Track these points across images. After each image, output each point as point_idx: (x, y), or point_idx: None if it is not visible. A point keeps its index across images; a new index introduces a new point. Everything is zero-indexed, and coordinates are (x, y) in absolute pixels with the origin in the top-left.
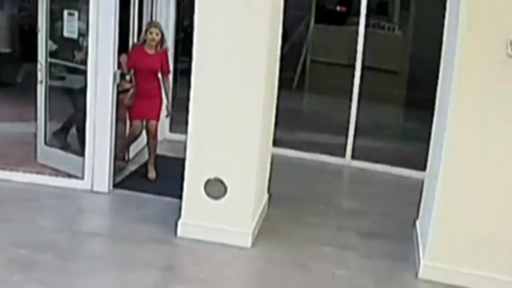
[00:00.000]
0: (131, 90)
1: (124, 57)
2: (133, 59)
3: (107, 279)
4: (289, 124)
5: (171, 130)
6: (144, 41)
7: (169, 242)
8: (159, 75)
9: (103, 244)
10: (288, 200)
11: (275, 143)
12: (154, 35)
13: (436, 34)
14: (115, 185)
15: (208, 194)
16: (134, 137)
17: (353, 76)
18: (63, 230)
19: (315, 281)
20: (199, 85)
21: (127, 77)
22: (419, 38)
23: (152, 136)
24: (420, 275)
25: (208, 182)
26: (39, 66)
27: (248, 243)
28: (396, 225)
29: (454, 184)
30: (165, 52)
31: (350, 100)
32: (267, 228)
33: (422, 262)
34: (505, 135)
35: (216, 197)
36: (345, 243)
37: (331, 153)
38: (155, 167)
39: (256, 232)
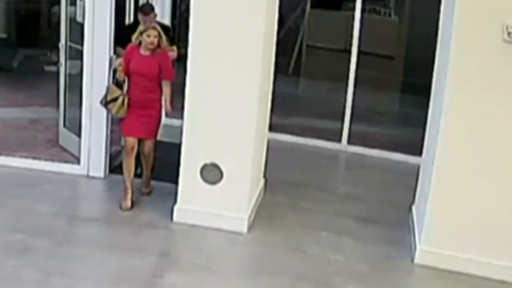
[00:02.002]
0: (120, 99)
1: (119, 61)
2: (125, 60)
3: (103, 264)
4: (285, 109)
5: (167, 115)
6: (140, 43)
7: (165, 227)
8: (157, 82)
9: (99, 229)
10: (284, 185)
11: (271, 128)
12: (152, 38)
13: (432, 19)
14: (111, 170)
15: (204, 179)
16: (129, 154)
17: (349, 61)
18: (59, 215)
19: (311, 266)
20: (195, 70)
21: (125, 86)
22: (415, 23)
23: (146, 154)
24: (416, 260)
25: (204, 167)
26: (60, 48)
27: (244, 228)
28: (392, 210)
29: (450, 169)
30: (165, 54)
31: (346, 85)
32: (263, 213)
33: (418, 247)
34: (501, 120)
35: (212, 182)
36: (341, 228)
37: (327, 138)
38: (149, 182)
39: (252, 217)
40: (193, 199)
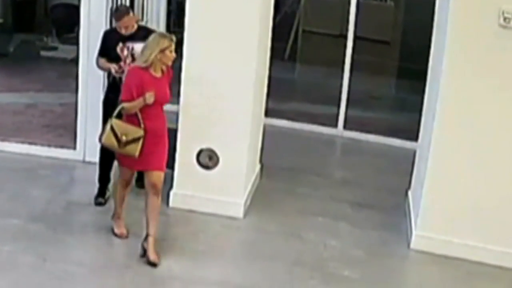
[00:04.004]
0: (142, 139)
1: (150, 95)
2: (142, 87)
3: (99, 250)
4: (281, 94)
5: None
6: (151, 64)
7: (161, 212)
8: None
9: (94, 215)
10: (280, 170)
11: (267, 113)
12: (173, 53)
13: (428, 4)
14: None
15: (201, 165)
16: (126, 187)
17: (345, 46)
18: (55, 200)
19: (307, 251)
20: (191, 56)
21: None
22: (411, 8)
23: (153, 192)
24: (412, 245)
25: (200, 153)
26: None
27: (240, 213)
28: (388, 195)
29: (446, 154)
30: (170, 70)
31: (342, 70)
32: (259, 198)
33: (414, 232)
34: (496, 105)
35: (209, 168)
36: (337, 213)
37: (323, 123)
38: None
39: (248, 202)
40: (189, 184)
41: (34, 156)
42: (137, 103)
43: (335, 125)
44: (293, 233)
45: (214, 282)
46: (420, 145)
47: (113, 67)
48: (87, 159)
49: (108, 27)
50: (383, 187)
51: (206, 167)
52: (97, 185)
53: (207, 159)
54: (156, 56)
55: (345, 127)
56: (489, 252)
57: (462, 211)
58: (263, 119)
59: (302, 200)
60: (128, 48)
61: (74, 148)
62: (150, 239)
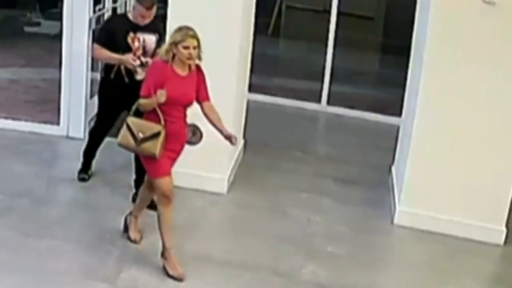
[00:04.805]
0: (162, 134)
1: (161, 93)
2: (158, 82)
3: (83, 225)
4: (264, 70)
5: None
6: (173, 57)
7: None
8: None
9: (78, 190)
10: (264, 146)
11: (251, 89)
12: (191, 50)
13: None
14: None
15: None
16: (171, 200)
17: (328, 22)
18: (39, 176)
19: (291, 226)
20: None
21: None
22: None
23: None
24: (395, 221)
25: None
26: None
27: (224, 189)
28: (372, 171)
29: (430, 130)
30: (200, 70)
31: (326, 46)
32: (243, 174)
33: (397, 208)
34: (480, 81)
35: (192, 143)
36: (321, 189)
37: (307, 99)
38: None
39: (232, 178)
40: None
41: (17, 131)
42: (151, 101)
43: (318, 100)
44: (277, 209)
45: (198, 258)
46: (404, 121)
47: (131, 58)
48: (70, 134)
49: (92, 5)
50: (366, 162)
51: (190, 142)
52: (81, 159)
53: (191, 134)
54: (171, 50)
55: (328, 102)
56: (472, 228)
57: (445, 186)
58: (246, 95)
59: (286, 176)
60: (139, 40)
61: (58, 123)
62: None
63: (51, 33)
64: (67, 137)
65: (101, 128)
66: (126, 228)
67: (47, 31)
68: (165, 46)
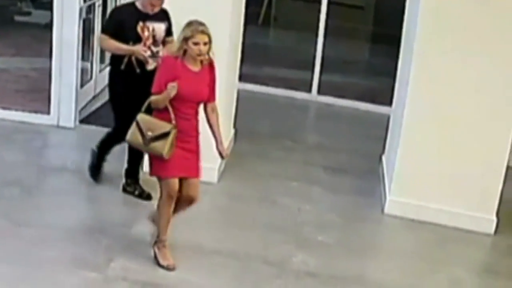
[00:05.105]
0: (172, 134)
1: (172, 86)
2: (170, 78)
3: (73, 214)
4: (255, 59)
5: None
6: (184, 52)
7: None
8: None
9: (68, 179)
10: (254, 135)
11: (241, 78)
12: (201, 46)
13: None
14: (81, 121)
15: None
16: (172, 200)
17: (319, 11)
18: (29, 165)
19: (281, 215)
20: None
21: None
22: None
23: (189, 201)
24: (386, 210)
25: None
26: None
27: (215, 178)
28: (363, 160)
29: (420, 119)
30: (213, 67)
31: (316, 35)
32: (234, 163)
33: (388, 197)
34: (471, 70)
35: None
36: (311, 178)
37: (297, 88)
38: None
39: (222, 167)
40: None
41: (8, 121)
42: (162, 96)
43: (309, 90)
44: (267, 198)
45: (188, 247)
46: (394, 110)
47: (142, 48)
48: (61, 124)
49: None
50: (357, 152)
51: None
52: (93, 160)
53: None
54: (182, 45)
55: (319, 92)
56: (462, 217)
57: (436, 176)
58: (237, 84)
59: (276, 165)
60: (148, 29)
61: (48, 113)
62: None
63: (41, 22)
64: (58, 126)
65: (123, 122)
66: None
67: (38, 20)
68: (176, 41)
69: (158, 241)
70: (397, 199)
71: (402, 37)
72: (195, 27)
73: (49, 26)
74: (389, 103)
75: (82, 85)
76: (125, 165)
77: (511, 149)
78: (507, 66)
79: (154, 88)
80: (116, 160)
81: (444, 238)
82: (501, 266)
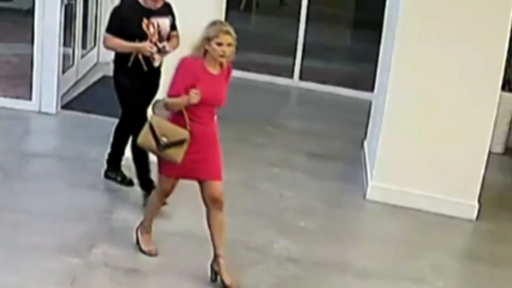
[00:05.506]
0: (187, 142)
1: (195, 93)
2: (190, 80)
3: (55, 200)
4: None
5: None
6: (205, 53)
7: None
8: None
9: (50, 165)
10: (236, 120)
11: None
12: (225, 47)
13: None
14: (63, 106)
15: (156, 115)
16: (165, 197)
17: None
18: (10, 150)
19: (263, 201)
20: None
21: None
22: None
23: (216, 207)
24: (368, 196)
25: (156, 104)
26: None
27: None
28: (344, 146)
29: (402, 105)
30: (230, 70)
31: (298, 21)
32: None
33: (370, 183)
34: (452, 56)
35: (164, 118)
36: (293, 163)
37: (279, 74)
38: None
39: None
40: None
41: None
42: (181, 100)
43: (291, 75)
44: (249, 183)
45: (170, 233)
46: (376, 96)
47: (148, 45)
48: (42, 109)
49: None
50: (339, 137)
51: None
52: (108, 157)
53: (163, 110)
54: (203, 46)
55: (301, 77)
56: (444, 203)
57: (417, 162)
58: None
59: (258, 151)
60: (153, 25)
61: (30, 98)
62: (222, 261)
63: (23, 8)
64: (39, 112)
65: (135, 118)
66: (215, 276)
67: (19, 6)
68: (196, 41)
69: (142, 226)
70: (379, 184)
71: (384, 22)
72: (219, 27)
73: (31, 11)
74: (371, 89)
75: (64, 71)
76: (109, 150)
77: (493, 135)
78: (489, 51)
79: (171, 91)
80: (99, 146)
81: (426, 224)
82: (483, 252)
